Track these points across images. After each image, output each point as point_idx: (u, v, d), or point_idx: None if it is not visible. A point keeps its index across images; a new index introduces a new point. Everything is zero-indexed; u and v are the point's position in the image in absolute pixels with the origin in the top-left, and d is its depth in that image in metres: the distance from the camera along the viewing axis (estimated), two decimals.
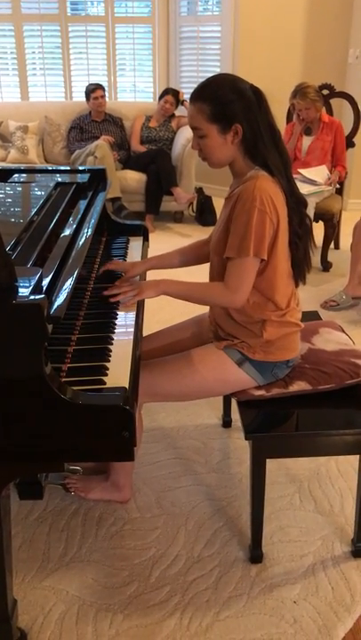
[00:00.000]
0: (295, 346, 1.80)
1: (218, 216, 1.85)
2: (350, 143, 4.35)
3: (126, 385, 1.37)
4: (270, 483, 2.01)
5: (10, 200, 2.02)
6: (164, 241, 4.68)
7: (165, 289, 1.71)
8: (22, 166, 2.90)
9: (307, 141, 4.15)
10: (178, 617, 1.62)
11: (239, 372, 1.75)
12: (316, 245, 4.18)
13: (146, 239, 2.34)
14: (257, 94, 1.63)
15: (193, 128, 1.65)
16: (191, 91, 1.67)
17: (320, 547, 1.85)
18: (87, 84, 5.33)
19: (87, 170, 2.36)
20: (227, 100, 1.59)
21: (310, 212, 3.88)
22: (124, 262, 2.00)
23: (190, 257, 1.98)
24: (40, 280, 1.29)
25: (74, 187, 2.10)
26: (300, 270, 1.76)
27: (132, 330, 1.65)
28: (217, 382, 1.77)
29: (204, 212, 5.20)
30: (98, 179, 2.30)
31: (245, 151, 1.65)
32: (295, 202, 1.69)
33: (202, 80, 1.67)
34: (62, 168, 2.74)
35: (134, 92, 6.07)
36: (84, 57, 5.83)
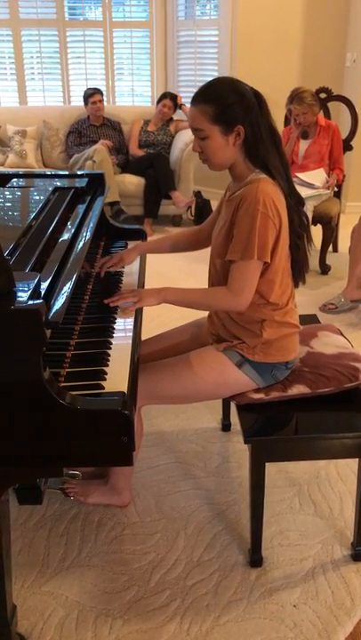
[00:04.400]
0: (294, 347, 1.80)
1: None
2: (348, 146, 4.36)
3: (125, 389, 1.37)
4: (270, 486, 2.01)
5: (8, 205, 2.02)
6: None
7: (166, 296, 1.71)
8: (21, 171, 2.91)
9: (304, 145, 4.16)
10: (178, 621, 1.62)
11: (239, 373, 1.75)
12: (315, 248, 4.19)
13: None
14: (258, 97, 1.64)
15: (195, 130, 1.65)
16: (189, 95, 1.68)
17: (320, 550, 1.85)
18: (85, 88, 5.34)
19: (85, 174, 2.36)
20: (230, 102, 1.59)
21: (308, 215, 3.89)
22: (115, 254, 2.00)
23: (181, 244, 2.01)
24: (38, 285, 1.29)
25: (72, 191, 2.11)
26: (299, 271, 1.76)
27: (131, 334, 1.65)
28: (216, 384, 1.77)
29: (202, 216, 5.20)
30: (96, 183, 2.31)
31: (246, 153, 1.65)
32: (295, 202, 1.70)
33: (200, 84, 1.68)
34: (61, 173, 2.74)
35: (132, 96, 6.08)
36: (82, 61, 5.84)
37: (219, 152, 1.65)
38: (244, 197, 1.61)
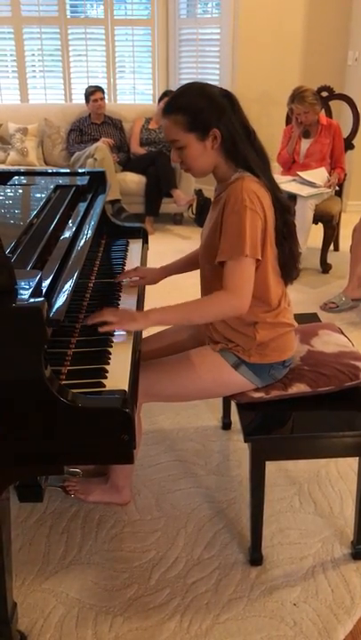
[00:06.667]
0: (290, 346, 1.80)
1: None
2: (350, 145, 4.36)
3: (126, 387, 1.37)
4: (270, 485, 2.01)
5: (9, 202, 2.03)
6: (163, 243, 4.68)
7: (156, 318, 1.61)
8: (22, 168, 2.90)
9: (305, 144, 4.15)
10: (178, 619, 1.62)
11: (236, 374, 1.75)
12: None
13: (145, 241, 2.34)
14: (228, 97, 1.63)
15: (171, 141, 1.65)
16: None
17: (320, 549, 1.85)
18: (87, 86, 5.33)
19: (87, 172, 2.36)
20: (200, 107, 1.59)
21: (309, 214, 3.89)
22: (144, 269, 1.99)
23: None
24: (40, 283, 1.30)
25: (73, 189, 2.11)
26: (287, 270, 1.74)
27: (132, 332, 1.65)
28: (214, 384, 1.77)
29: (203, 214, 5.19)
30: (97, 181, 2.31)
31: (227, 155, 1.65)
32: (277, 202, 1.68)
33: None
34: (62, 170, 2.74)
35: (134, 94, 6.07)
36: (84, 59, 5.84)
37: (199, 159, 1.64)
38: (229, 197, 1.60)
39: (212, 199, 1.74)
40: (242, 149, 1.63)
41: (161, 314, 1.61)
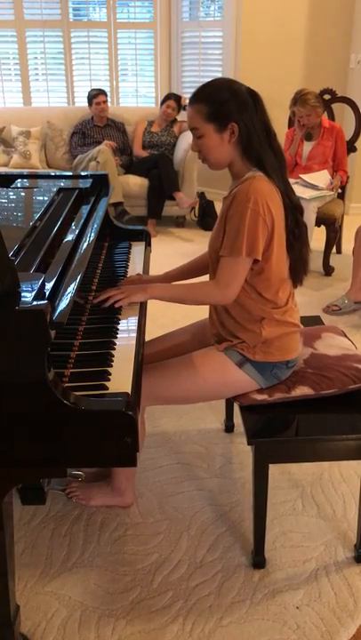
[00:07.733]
0: (295, 346, 1.80)
1: None
2: (352, 148, 4.36)
3: (129, 390, 1.37)
4: (273, 488, 2.01)
5: (13, 205, 2.03)
6: (166, 246, 4.68)
7: (153, 292, 1.75)
8: (25, 171, 2.91)
9: (307, 147, 4.15)
10: (180, 622, 1.62)
11: (240, 373, 1.75)
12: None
13: (148, 244, 2.35)
14: (253, 95, 1.67)
15: (191, 129, 1.70)
16: None
17: (323, 552, 1.84)
18: (89, 89, 5.35)
19: (90, 175, 2.36)
20: (222, 100, 1.63)
21: (312, 216, 3.89)
22: (147, 277, 2.00)
23: (201, 266, 1.99)
24: (43, 286, 1.30)
25: (76, 192, 2.11)
26: (296, 271, 1.77)
27: (135, 335, 1.65)
28: (218, 384, 1.77)
29: (205, 217, 5.21)
30: (100, 184, 2.31)
31: (243, 151, 1.67)
32: (290, 203, 1.70)
33: None
34: (65, 173, 2.75)
35: (136, 97, 6.09)
36: (87, 62, 5.85)
37: (214, 150, 1.68)
38: (236, 194, 1.63)
39: (226, 195, 1.76)
40: (258, 148, 1.66)
41: (158, 290, 1.77)
